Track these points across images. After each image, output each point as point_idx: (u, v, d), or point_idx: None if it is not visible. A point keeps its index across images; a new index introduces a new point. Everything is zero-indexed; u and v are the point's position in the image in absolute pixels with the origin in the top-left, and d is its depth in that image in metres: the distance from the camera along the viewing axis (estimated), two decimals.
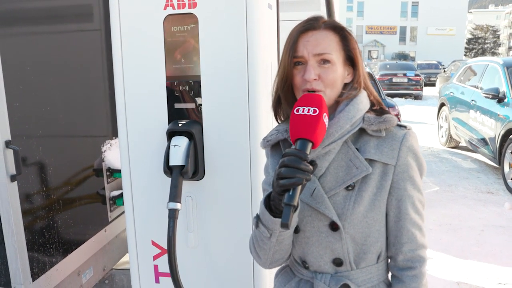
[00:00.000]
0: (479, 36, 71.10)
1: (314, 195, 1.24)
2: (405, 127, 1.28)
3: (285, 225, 1.06)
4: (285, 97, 1.30)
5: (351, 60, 1.28)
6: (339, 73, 1.24)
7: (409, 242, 1.26)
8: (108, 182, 2.95)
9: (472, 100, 7.38)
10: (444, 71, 23.72)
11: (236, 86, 1.76)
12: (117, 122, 3.02)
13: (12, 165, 2.07)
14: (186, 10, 1.74)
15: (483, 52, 67.10)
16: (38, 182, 2.29)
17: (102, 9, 2.92)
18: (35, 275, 2.25)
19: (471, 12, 78.77)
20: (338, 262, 1.26)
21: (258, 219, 1.22)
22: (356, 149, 1.25)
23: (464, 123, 7.72)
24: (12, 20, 2.16)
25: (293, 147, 1.15)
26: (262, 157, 1.82)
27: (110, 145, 2.97)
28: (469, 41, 68.90)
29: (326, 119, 1.15)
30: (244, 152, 1.81)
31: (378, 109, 1.31)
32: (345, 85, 1.29)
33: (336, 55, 1.23)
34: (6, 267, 2.15)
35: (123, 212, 3.15)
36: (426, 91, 20.72)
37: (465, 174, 6.86)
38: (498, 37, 73.11)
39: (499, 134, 6.18)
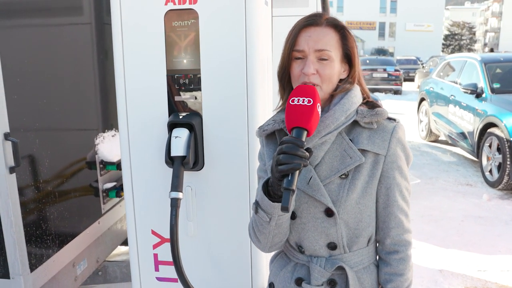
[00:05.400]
0: (456, 32, 72.21)
1: (310, 183, 1.30)
2: (394, 120, 1.35)
3: (285, 209, 1.11)
4: (283, 85, 1.38)
5: (348, 58, 1.35)
6: (336, 69, 1.31)
7: (396, 227, 1.34)
8: (101, 175, 2.98)
9: (452, 95, 7.57)
10: (423, 66, 24.08)
11: (235, 79, 1.82)
12: (107, 116, 3.07)
13: (10, 157, 2.09)
14: (186, 5, 1.79)
15: (459, 48, 68.22)
16: (35, 174, 2.32)
17: (92, 3, 2.95)
18: (33, 266, 2.28)
19: (448, 8, 79.99)
20: (332, 246, 1.33)
21: (257, 205, 1.27)
22: (350, 140, 1.32)
23: (443, 118, 7.90)
24: (9, 13, 2.17)
25: (289, 135, 1.21)
26: (259, 148, 1.89)
27: (103, 138, 3.00)
28: (446, 37, 69.92)
29: (319, 109, 1.22)
30: (242, 144, 1.87)
31: (370, 102, 1.38)
32: (340, 81, 1.36)
33: (334, 52, 1.30)
34: (5, 258, 2.18)
35: (115, 205, 3.19)
36: (406, 86, 21.04)
37: (445, 167, 7.05)
38: (474, 33, 74.42)
39: (477, 128, 6.36)
